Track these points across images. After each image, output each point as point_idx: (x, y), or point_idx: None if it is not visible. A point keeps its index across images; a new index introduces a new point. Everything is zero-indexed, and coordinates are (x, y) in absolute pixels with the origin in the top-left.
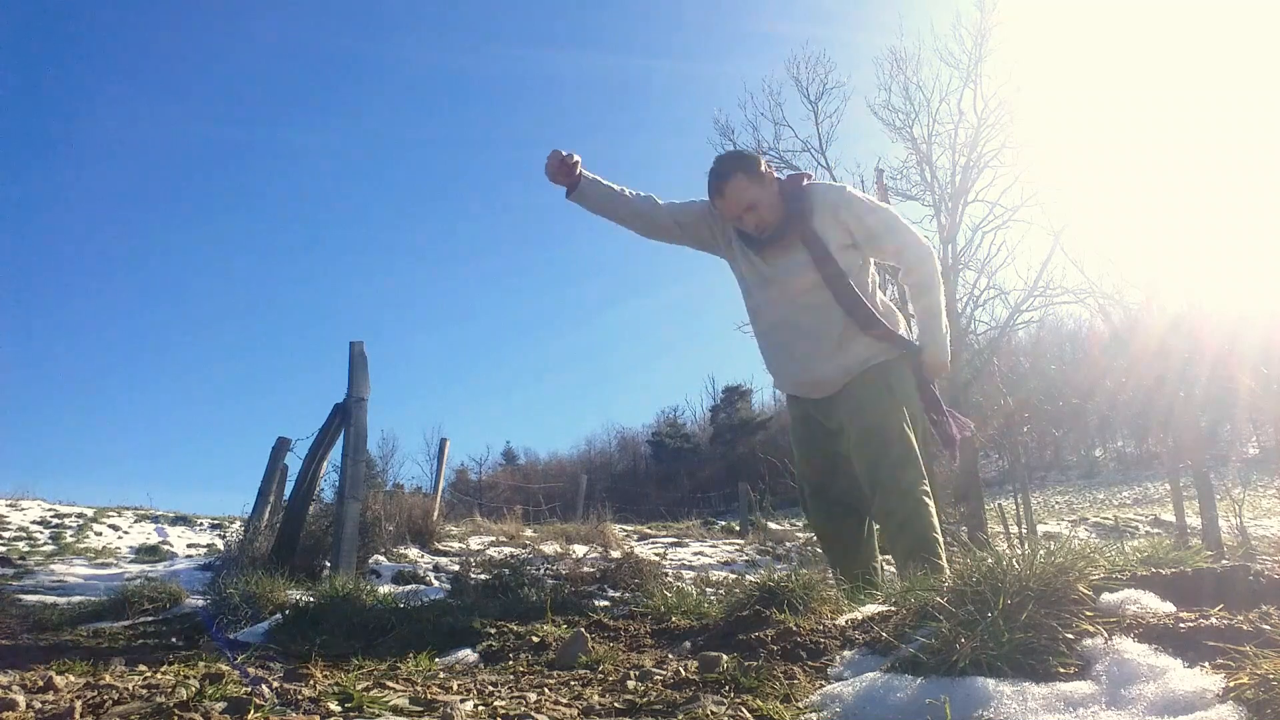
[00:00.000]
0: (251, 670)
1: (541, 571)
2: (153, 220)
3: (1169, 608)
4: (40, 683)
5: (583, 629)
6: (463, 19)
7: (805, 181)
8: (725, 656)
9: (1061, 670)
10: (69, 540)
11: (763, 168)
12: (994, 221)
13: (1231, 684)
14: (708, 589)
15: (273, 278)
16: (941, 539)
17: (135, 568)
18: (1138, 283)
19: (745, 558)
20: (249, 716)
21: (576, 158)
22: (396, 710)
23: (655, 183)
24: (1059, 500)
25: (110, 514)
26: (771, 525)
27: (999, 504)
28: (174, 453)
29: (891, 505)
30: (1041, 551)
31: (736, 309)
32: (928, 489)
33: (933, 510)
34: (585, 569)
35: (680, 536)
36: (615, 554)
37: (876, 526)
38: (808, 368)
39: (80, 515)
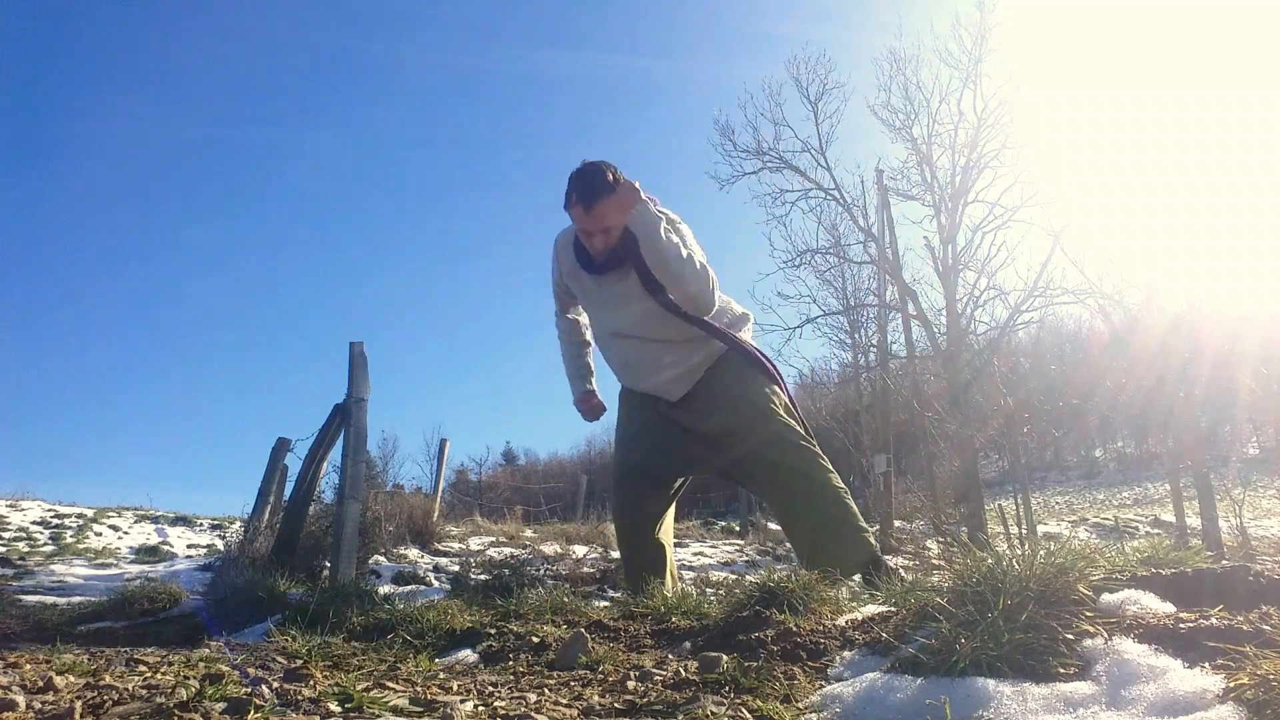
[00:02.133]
0: (251, 670)
1: (541, 572)
2: (153, 220)
3: (1169, 608)
4: (40, 683)
5: (583, 629)
6: (463, 19)
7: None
8: (725, 657)
9: (1061, 671)
10: (69, 541)
11: None
12: (994, 222)
13: (1231, 684)
14: (708, 589)
15: (273, 278)
16: (868, 528)
17: (135, 568)
18: (1138, 283)
19: (745, 558)
20: (249, 716)
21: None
22: (396, 710)
23: (656, 183)
24: (1059, 500)
25: (110, 514)
26: (771, 525)
27: (999, 504)
28: (174, 453)
29: (814, 502)
30: (1041, 552)
31: None
32: (842, 484)
33: (853, 504)
34: (585, 569)
35: (680, 537)
36: (615, 554)
37: (785, 522)
38: (657, 370)
39: (80, 516)
